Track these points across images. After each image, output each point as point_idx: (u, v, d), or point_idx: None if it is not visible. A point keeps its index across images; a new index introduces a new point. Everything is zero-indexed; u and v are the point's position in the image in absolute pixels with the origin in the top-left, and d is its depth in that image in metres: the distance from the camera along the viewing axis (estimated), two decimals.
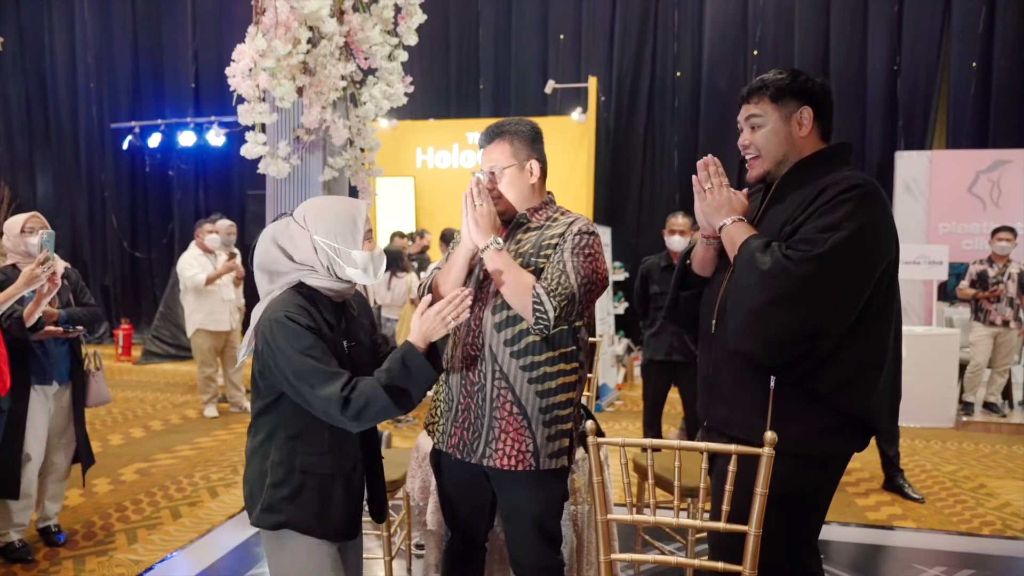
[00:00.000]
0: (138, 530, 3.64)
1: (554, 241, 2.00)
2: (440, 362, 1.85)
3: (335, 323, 1.82)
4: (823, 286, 1.60)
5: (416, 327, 1.77)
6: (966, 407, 6.42)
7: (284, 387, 1.73)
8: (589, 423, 1.73)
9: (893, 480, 4.36)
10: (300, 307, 1.74)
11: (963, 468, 4.92)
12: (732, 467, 1.62)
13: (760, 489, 1.60)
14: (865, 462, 4.93)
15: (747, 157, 1.87)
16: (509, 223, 2.09)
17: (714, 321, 1.82)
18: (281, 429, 1.79)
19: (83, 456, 3.51)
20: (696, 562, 1.66)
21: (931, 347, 5.99)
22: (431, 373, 1.74)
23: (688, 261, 1.98)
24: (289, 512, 1.76)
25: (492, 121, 2.24)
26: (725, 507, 1.63)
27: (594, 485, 1.72)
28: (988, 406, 6.47)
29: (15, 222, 3.22)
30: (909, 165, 7.86)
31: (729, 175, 1.90)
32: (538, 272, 1.97)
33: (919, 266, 6.52)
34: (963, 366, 6.44)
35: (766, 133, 1.81)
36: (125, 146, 10.07)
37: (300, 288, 1.81)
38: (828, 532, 3.76)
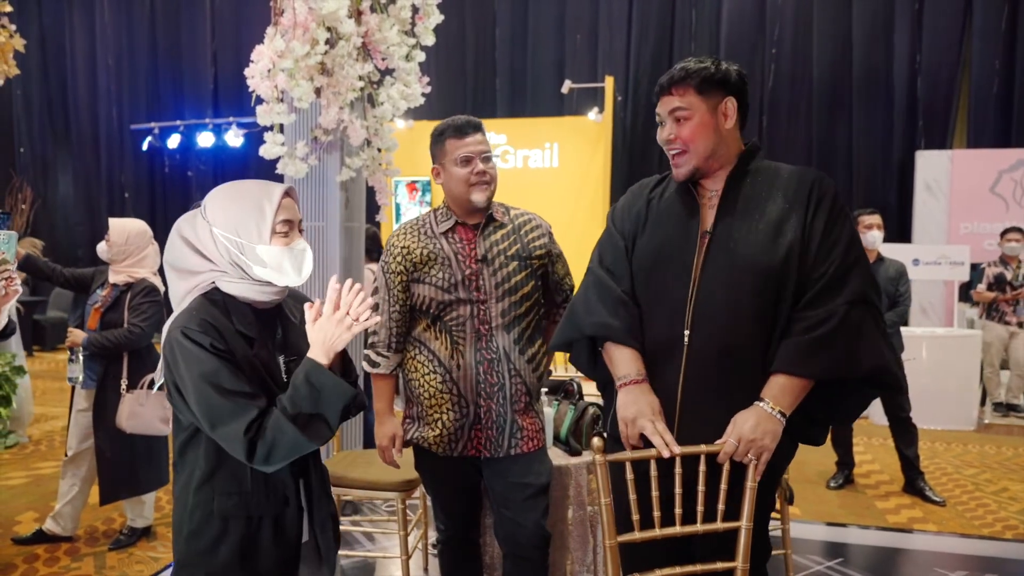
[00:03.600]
0: (157, 527, 3.67)
1: (540, 242, 2.20)
2: (352, 368, 1.58)
3: (258, 336, 1.51)
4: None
5: (314, 340, 1.44)
6: (996, 407, 6.37)
7: (189, 416, 1.45)
8: (596, 441, 1.64)
9: (913, 483, 4.31)
10: (205, 322, 1.43)
11: (985, 471, 4.86)
12: (728, 466, 1.62)
13: (750, 483, 1.62)
14: (885, 464, 4.88)
15: (671, 152, 1.72)
16: (480, 222, 2.17)
17: (687, 332, 1.65)
18: (198, 469, 1.49)
19: (100, 477, 3.37)
20: (699, 567, 1.65)
21: (952, 348, 5.91)
22: (344, 389, 1.42)
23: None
24: (207, 567, 1.48)
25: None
26: (721, 506, 1.64)
27: (602, 507, 1.63)
28: (1011, 407, 6.39)
29: None
30: (930, 164, 7.77)
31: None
32: (534, 271, 2.16)
33: (940, 266, 6.45)
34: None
35: (693, 126, 1.68)
36: (145, 147, 10.18)
37: (213, 295, 1.51)
38: (847, 535, 3.73)
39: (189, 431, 1.50)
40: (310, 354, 1.44)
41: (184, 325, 1.43)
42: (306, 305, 1.47)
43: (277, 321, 1.59)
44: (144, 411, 3.22)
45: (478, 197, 2.11)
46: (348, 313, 1.43)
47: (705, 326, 1.64)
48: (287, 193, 1.54)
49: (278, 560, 1.53)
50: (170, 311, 1.53)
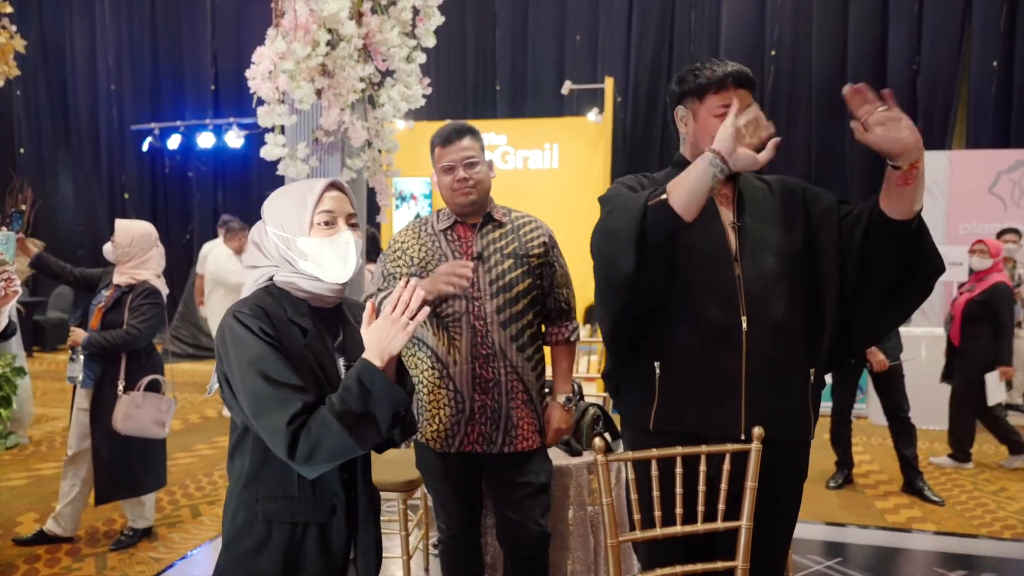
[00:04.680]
0: (159, 528, 3.68)
1: (538, 242, 2.23)
2: (409, 379, 1.52)
3: (312, 328, 1.48)
4: None
5: (368, 341, 1.40)
6: (995, 407, 6.36)
7: (237, 410, 1.41)
8: (597, 441, 1.65)
9: (912, 483, 4.33)
10: (257, 307, 1.42)
11: (983, 471, 4.87)
12: (727, 466, 1.67)
13: (750, 483, 1.66)
14: (884, 464, 4.89)
15: None
16: (478, 221, 2.22)
17: (744, 318, 1.69)
18: (248, 468, 1.45)
19: (96, 477, 3.33)
20: (699, 567, 1.66)
21: None
22: (396, 394, 1.37)
23: (664, 196, 1.55)
24: (248, 573, 1.43)
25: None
26: (721, 506, 1.67)
27: (603, 507, 1.65)
28: (1011, 407, 6.41)
29: None
30: (929, 165, 7.57)
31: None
32: (531, 270, 2.18)
33: None
34: None
35: None
36: (145, 147, 10.19)
37: (271, 288, 1.51)
38: (847, 534, 3.75)
39: (240, 431, 1.46)
40: (364, 355, 1.39)
41: (236, 310, 1.41)
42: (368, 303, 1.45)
43: (338, 324, 1.56)
44: (139, 413, 3.22)
45: (461, 201, 2.16)
46: (404, 313, 1.38)
47: (758, 311, 1.71)
48: (334, 185, 1.51)
49: (324, 573, 1.46)
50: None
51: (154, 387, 3.32)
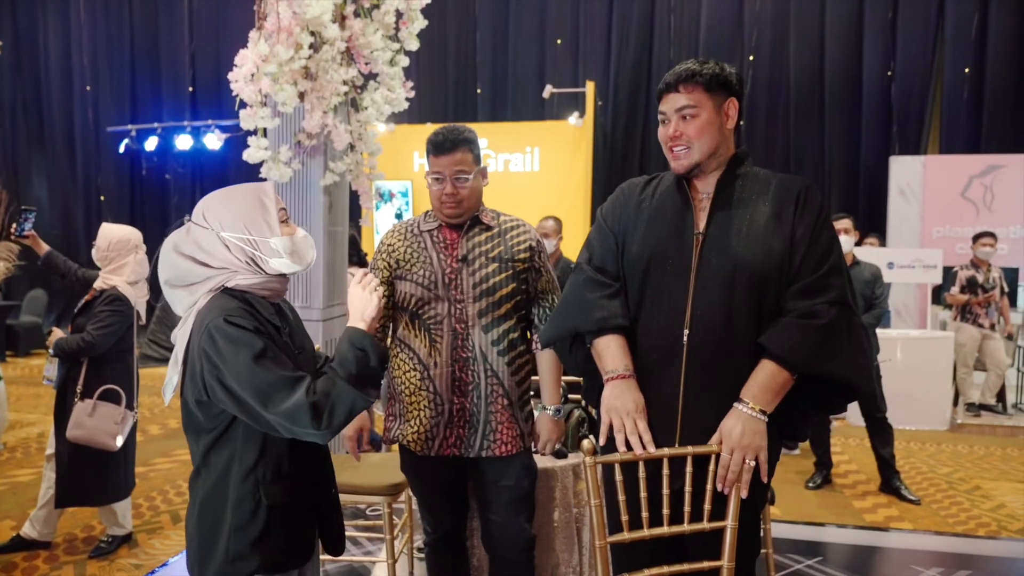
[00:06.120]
0: (138, 535, 3.64)
1: (525, 246, 2.22)
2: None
3: (281, 326, 1.61)
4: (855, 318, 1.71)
5: (354, 304, 1.61)
6: (969, 407, 6.49)
7: (234, 409, 1.48)
8: (585, 443, 1.65)
9: (889, 482, 4.39)
10: (240, 308, 1.51)
11: (958, 470, 4.96)
12: (713, 466, 1.66)
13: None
14: (861, 464, 4.96)
15: (676, 148, 1.75)
16: (464, 224, 2.22)
17: (687, 331, 1.68)
18: (237, 463, 1.54)
19: (57, 480, 3.24)
20: (686, 567, 1.68)
21: (925, 350, 6.03)
22: (384, 350, 1.57)
23: (605, 377, 1.76)
24: (261, 555, 1.54)
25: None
26: (707, 507, 1.67)
27: (592, 509, 1.66)
28: (984, 407, 6.52)
29: None
30: (903, 170, 7.92)
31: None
32: (516, 274, 2.17)
33: (913, 270, 6.57)
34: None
35: (700, 123, 1.72)
36: (122, 149, 10.05)
37: (230, 292, 1.56)
38: (825, 534, 3.79)
39: (219, 430, 1.54)
40: (349, 323, 1.58)
41: (223, 314, 1.48)
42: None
43: (283, 317, 1.66)
44: (90, 422, 3.10)
45: (447, 213, 2.17)
46: (364, 287, 1.62)
47: (703, 326, 1.68)
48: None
49: (309, 536, 1.63)
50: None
51: (112, 397, 3.18)
